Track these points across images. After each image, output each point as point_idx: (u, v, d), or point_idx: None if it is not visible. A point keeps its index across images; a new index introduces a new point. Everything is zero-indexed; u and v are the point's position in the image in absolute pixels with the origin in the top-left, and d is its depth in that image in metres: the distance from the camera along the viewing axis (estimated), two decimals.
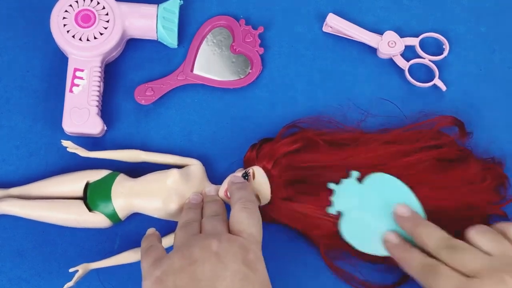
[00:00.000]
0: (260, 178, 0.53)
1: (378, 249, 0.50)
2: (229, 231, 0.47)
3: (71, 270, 0.52)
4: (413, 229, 0.48)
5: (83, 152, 0.55)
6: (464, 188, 0.54)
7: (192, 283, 0.42)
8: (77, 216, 0.53)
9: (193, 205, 0.52)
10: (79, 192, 0.54)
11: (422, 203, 0.50)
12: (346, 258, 0.54)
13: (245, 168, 0.54)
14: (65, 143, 0.55)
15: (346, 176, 0.51)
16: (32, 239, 0.55)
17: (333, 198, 0.51)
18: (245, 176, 0.53)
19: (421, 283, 0.46)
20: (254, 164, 0.54)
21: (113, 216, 0.53)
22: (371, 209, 0.50)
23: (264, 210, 0.54)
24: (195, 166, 0.55)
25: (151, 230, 0.51)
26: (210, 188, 0.54)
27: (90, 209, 0.53)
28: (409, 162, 0.54)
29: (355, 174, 0.51)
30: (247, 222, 0.47)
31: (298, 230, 0.55)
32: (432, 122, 0.57)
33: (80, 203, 0.53)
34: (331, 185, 0.51)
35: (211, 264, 0.43)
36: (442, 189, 0.53)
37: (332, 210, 0.50)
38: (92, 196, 0.53)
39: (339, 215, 0.51)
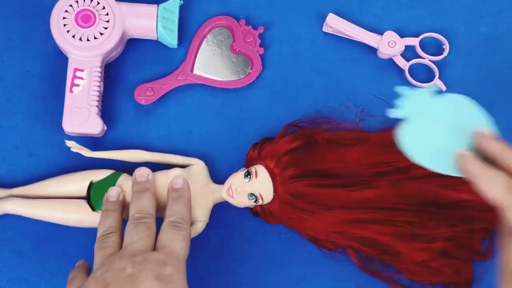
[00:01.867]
0: (263, 177, 0.53)
1: (442, 165, 0.46)
2: (155, 241, 0.47)
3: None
4: (501, 150, 0.45)
5: (86, 152, 0.55)
6: None
7: None
8: (81, 216, 0.53)
9: (111, 204, 0.51)
10: (83, 191, 0.54)
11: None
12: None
13: (247, 167, 0.54)
14: (69, 143, 0.55)
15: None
16: (32, 239, 0.55)
17: (402, 102, 0.47)
18: (248, 175, 0.53)
19: (501, 205, 0.43)
20: (256, 163, 0.54)
21: None
22: (443, 125, 0.47)
23: (267, 209, 0.54)
24: (198, 166, 0.55)
25: (79, 262, 0.51)
26: (139, 173, 0.53)
27: (93, 209, 0.53)
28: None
29: (434, 87, 0.48)
30: (172, 238, 0.47)
31: (298, 230, 0.55)
32: None
33: (84, 203, 0.53)
34: (402, 88, 0.48)
35: (124, 285, 0.43)
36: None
37: (397, 113, 0.47)
38: (96, 196, 0.53)
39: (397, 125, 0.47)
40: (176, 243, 0.47)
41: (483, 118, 0.48)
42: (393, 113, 0.47)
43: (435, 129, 0.48)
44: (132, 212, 0.49)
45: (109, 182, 0.54)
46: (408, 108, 0.48)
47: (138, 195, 0.51)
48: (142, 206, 0.50)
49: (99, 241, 0.48)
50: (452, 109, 0.48)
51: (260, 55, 0.59)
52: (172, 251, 0.46)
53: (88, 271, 0.50)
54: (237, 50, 0.60)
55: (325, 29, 0.61)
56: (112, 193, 0.52)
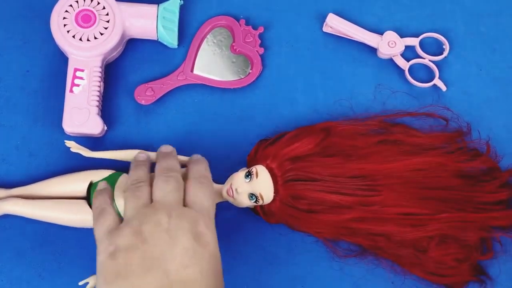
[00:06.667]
0: (263, 177, 0.53)
1: None
2: (183, 198, 0.48)
3: (81, 283, 0.52)
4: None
5: (86, 152, 0.55)
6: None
7: (143, 262, 0.43)
8: (81, 216, 0.53)
9: (141, 162, 0.52)
10: (83, 192, 0.54)
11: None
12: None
13: (248, 167, 0.54)
14: (68, 143, 0.55)
15: None
16: (32, 239, 0.55)
17: None
18: (248, 175, 0.53)
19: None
20: (257, 164, 0.54)
21: None
22: None
23: (267, 209, 0.54)
24: None
25: (102, 185, 0.51)
26: (165, 147, 0.53)
27: None
28: (420, 165, 0.54)
29: None
30: (201, 195, 0.48)
31: (299, 230, 0.55)
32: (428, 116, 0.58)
33: (84, 203, 0.53)
34: None
35: (162, 243, 0.44)
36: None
37: None
38: None
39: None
40: (204, 199, 0.48)
41: None
42: None
43: None
44: (160, 169, 0.50)
45: (109, 182, 0.54)
46: None
47: (164, 156, 0.51)
48: (169, 164, 0.50)
49: (131, 189, 0.48)
50: None
51: (260, 55, 0.59)
52: (203, 208, 0.47)
53: (113, 197, 0.50)
54: (237, 50, 0.60)
55: (325, 29, 0.61)
56: (141, 155, 0.53)
